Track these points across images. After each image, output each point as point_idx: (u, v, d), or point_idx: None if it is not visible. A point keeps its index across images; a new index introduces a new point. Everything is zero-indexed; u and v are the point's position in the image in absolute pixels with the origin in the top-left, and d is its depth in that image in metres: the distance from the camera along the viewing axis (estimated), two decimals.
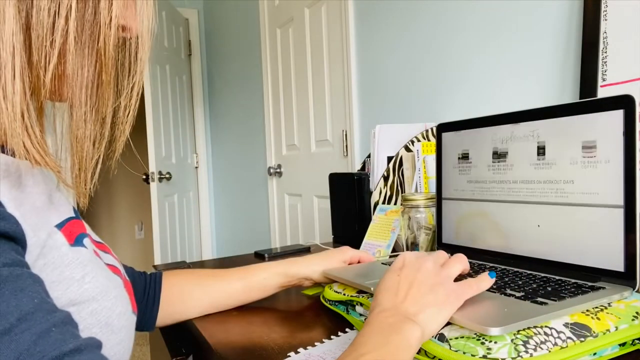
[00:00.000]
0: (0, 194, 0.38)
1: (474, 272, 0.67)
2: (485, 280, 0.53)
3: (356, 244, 1.03)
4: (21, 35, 0.40)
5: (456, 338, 0.47)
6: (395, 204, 1.12)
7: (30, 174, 0.44)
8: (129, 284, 0.55)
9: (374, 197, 1.14)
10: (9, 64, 0.39)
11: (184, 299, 0.71)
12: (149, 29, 0.48)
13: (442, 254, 0.56)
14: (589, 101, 0.62)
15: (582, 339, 0.47)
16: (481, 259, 0.75)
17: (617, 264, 0.58)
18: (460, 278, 0.54)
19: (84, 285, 0.43)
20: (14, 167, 0.42)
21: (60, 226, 0.45)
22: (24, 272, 0.36)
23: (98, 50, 0.44)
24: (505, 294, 0.55)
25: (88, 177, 0.45)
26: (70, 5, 0.41)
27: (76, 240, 0.46)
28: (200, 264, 1.15)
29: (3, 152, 0.42)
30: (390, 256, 0.98)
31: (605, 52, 0.92)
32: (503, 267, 0.70)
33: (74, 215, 0.49)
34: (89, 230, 0.52)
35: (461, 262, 0.55)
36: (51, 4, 0.41)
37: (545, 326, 0.47)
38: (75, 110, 0.44)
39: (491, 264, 0.72)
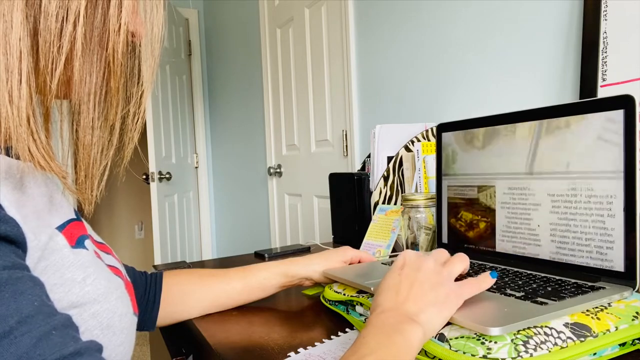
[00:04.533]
0: (1, 197, 0.38)
1: (474, 272, 0.68)
2: (486, 280, 0.53)
3: (356, 244, 1.03)
4: (28, 40, 0.40)
5: (456, 338, 0.47)
6: (395, 204, 1.12)
7: (31, 176, 0.44)
8: (130, 284, 0.54)
9: (374, 197, 1.14)
10: (16, 69, 0.39)
11: (185, 299, 0.71)
12: (158, 36, 0.48)
13: (443, 252, 0.56)
14: (589, 101, 0.62)
15: (582, 339, 0.47)
16: (481, 259, 0.75)
17: (617, 264, 0.58)
18: (460, 277, 0.54)
19: (85, 287, 0.43)
20: (15, 168, 0.42)
21: (61, 228, 0.44)
22: (24, 275, 0.35)
23: (107, 57, 0.43)
24: (505, 294, 0.55)
25: (94, 184, 0.45)
26: (79, 11, 0.41)
27: (77, 242, 0.46)
28: (200, 264, 1.15)
29: (8, 154, 0.42)
30: (390, 256, 0.98)
31: (605, 52, 0.92)
32: (503, 267, 0.70)
33: (75, 217, 0.49)
34: (90, 231, 0.52)
35: (462, 262, 0.54)
36: (59, 9, 0.40)
37: (545, 326, 0.47)
38: (83, 117, 0.44)
39: (491, 264, 0.72)
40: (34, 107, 0.40)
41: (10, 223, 0.37)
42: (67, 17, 0.41)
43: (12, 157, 0.42)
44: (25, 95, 0.39)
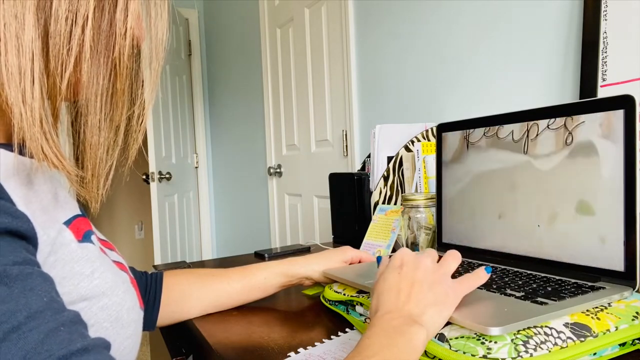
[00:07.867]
0: (11, 193, 0.39)
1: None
2: (481, 276, 0.53)
3: (356, 244, 1.03)
4: (39, 42, 0.40)
5: (456, 338, 0.47)
6: (395, 204, 1.12)
7: (37, 173, 0.45)
8: (134, 280, 0.55)
9: (374, 197, 1.14)
10: (28, 70, 0.39)
11: (185, 299, 0.71)
12: (163, 40, 0.49)
13: (433, 251, 0.56)
14: (589, 101, 0.62)
15: (582, 339, 0.47)
16: (481, 259, 0.75)
17: (617, 264, 0.58)
18: (453, 274, 0.54)
19: (93, 280, 0.44)
20: (22, 165, 0.43)
21: (67, 223, 0.45)
22: (35, 271, 0.36)
23: (113, 59, 0.44)
24: (505, 294, 0.55)
25: (101, 183, 0.46)
26: (87, 15, 0.42)
27: (84, 237, 0.47)
28: (200, 264, 1.15)
29: (21, 152, 0.43)
30: (389, 256, 0.98)
31: (605, 52, 0.92)
32: (503, 267, 0.70)
33: (80, 212, 0.50)
34: (94, 228, 0.53)
35: (455, 259, 0.55)
36: (69, 13, 0.41)
37: (545, 326, 0.47)
38: (90, 118, 0.45)
39: (491, 264, 0.72)
40: (46, 108, 0.41)
41: (22, 218, 0.37)
42: (75, 20, 0.42)
43: (26, 155, 0.43)
44: (38, 96, 0.40)
